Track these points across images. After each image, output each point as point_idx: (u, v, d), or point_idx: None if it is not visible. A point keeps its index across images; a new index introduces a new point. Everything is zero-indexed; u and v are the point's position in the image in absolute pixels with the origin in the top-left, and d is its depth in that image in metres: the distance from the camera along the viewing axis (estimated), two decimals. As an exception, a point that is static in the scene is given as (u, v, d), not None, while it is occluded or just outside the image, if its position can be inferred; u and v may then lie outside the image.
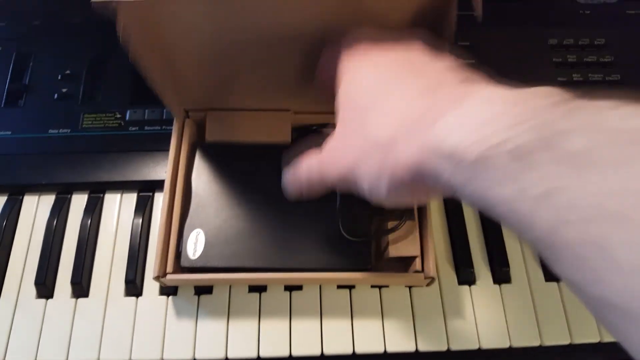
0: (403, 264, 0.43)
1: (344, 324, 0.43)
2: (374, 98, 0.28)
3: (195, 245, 0.41)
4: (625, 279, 0.15)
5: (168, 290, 0.45)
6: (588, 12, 0.58)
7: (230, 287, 0.45)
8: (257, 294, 0.44)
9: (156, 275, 0.39)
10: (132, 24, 0.33)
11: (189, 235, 0.41)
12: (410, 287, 0.45)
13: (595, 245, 0.16)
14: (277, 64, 0.40)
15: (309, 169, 0.33)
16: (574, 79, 0.54)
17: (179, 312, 0.44)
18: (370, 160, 0.27)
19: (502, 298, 0.45)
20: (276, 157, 0.43)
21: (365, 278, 0.41)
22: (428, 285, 0.43)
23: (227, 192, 0.43)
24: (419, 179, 0.24)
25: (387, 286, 0.45)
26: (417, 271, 0.41)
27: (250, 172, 0.44)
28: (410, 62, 0.29)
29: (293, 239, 0.41)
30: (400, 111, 0.26)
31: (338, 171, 0.29)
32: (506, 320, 0.44)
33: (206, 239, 0.41)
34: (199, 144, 0.45)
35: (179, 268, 0.41)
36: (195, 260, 0.40)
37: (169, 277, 0.40)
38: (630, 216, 0.15)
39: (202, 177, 0.44)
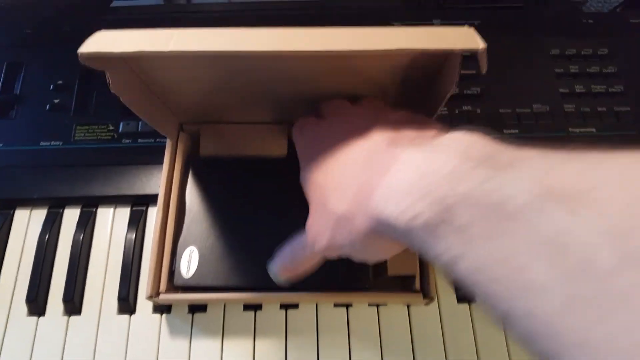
0: (402, 282, 0.42)
1: (341, 342, 0.42)
2: (327, 176, 0.31)
3: (188, 264, 0.40)
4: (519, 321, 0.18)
5: (162, 308, 0.44)
6: (591, 21, 0.57)
7: (224, 305, 0.44)
8: (252, 312, 0.43)
9: (149, 295, 0.38)
10: (122, 77, 0.32)
11: (182, 253, 0.40)
12: (408, 306, 0.44)
13: (495, 299, 0.19)
14: (273, 95, 0.39)
15: (295, 251, 0.35)
16: (577, 90, 0.53)
17: (173, 330, 0.43)
18: (341, 231, 0.29)
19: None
20: (273, 171, 0.43)
21: (363, 297, 0.40)
22: (427, 304, 0.42)
23: (221, 208, 0.42)
24: (382, 239, 0.27)
25: (385, 304, 0.44)
26: (416, 290, 0.40)
27: (246, 187, 0.43)
28: (354, 130, 0.31)
29: None
30: (349, 185, 0.28)
31: (322, 246, 0.31)
32: (506, 339, 0.43)
33: (200, 257, 0.40)
34: (193, 158, 0.44)
35: (173, 287, 0.40)
36: (188, 279, 0.39)
37: (162, 296, 0.39)
38: (499, 280, 0.18)
39: (196, 193, 0.43)
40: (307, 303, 0.44)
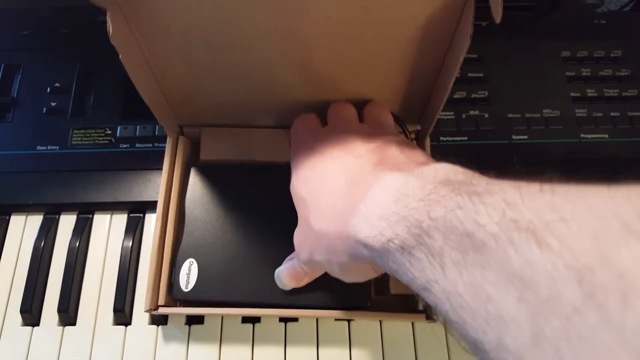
0: (404, 301, 0.41)
1: (342, 357, 0.41)
2: (310, 191, 0.31)
3: (188, 277, 0.39)
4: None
5: (158, 320, 0.43)
6: (604, 22, 0.55)
7: (222, 317, 0.42)
8: (251, 325, 0.42)
9: (148, 308, 0.37)
10: (122, 23, 0.30)
11: (181, 266, 0.39)
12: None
13: (466, 328, 0.19)
14: (274, 80, 0.37)
15: (292, 262, 0.36)
16: (589, 94, 0.52)
17: (170, 342, 0.42)
18: (320, 249, 0.29)
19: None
20: (276, 178, 0.40)
21: (364, 316, 0.39)
22: (430, 322, 0.41)
23: (222, 217, 0.40)
24: (358, 262, 0.27)
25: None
26: (418, 311, 0.39)
27: (248, 195, 0.41)
28: (344, 147, 0.32)
29: None
30: (330, 204, 0.29)
31: (304, 258, 0.32)
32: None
33: (199, 270, 0.39)
34: (193, 164, 0.43)
35: (171, 299, 0.39)
36: (188, 293, 0.38)
37: (161, 310, 0.38)
38: (470, 309, 0.18)
39: (196, 201, 0.41)
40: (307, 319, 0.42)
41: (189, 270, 0.39)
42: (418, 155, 0.30)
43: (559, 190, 0.18)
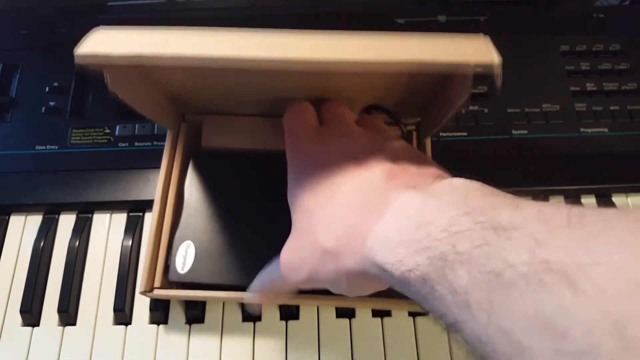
0: None
1: (343, 355, 0.41)
2: (318, 203, 0.29)
3: (184, 259, 0.38)
4: None
5: (158, 319, 0.42)
6: (602, 15, 0.55)
7: (222, 315, 0.42)
8: (251, 324, 0.42)
9: (143, 290, 0.37)
10: (121, 74, 0.30)
11: (178, 248, 0.39)
12: (413, 317, 0.42)
13: None
14: (281, 89, 0.37)
15: (272, 279, 0.33)
16: (588, 88, 0.51)
17: (170, 341, 0.42)
18: (325, 267, 0.27)
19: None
20: (277, 166, 0.40)
21: (367, 303, 0.39)
22: None
23: (221, 203, 0.40)
24: (369, 279, 0.26)
25: (389, 315, 0.42)
26: None
27: (248, 182, 0.41)
28: (351, 155, 0.30)
29: None
30: (341, 219, 0.27)
31: (299, 278, 0.29)
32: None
33: (196, 253, 0.38)
34: (194, 151, 0.43)
35: (167, 281, 0.39)
36: (183, 274, 0.38)
37: (156, 291, 0.38)
38: (504, 355, 0.17)
39: (196, 186, 0.41)
40: (308, 306, 0.42)
41: (186, 252, 0.38)
42: (427, 164, 0.29)
43: (587, 222, 0.17)
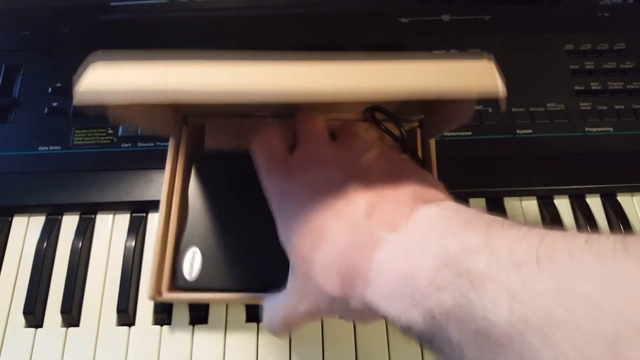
0: None
1: (347, 354, 0.41)
2: (308, 247, 0.28)
3: (191, 265, 0.38)
4: None
5: (162, 320, 0.42)
6: (607, 14, 0.55)
7: (226, 316, 0.42)
8: (255, 324, 0.42)
9: (151, 295, 0.37)
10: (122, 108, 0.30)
11: (184, 254, 0.38)
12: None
13: None
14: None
15: (283, 315, 0.32)
16: (592, 87, 0.51)
17: (174, 342, 0.41)
18: (333, 307, 0.28)
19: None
20: None
21: None
22: None
23: (226, 206, 0.40)
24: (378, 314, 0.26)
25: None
26: None
27: (253, 185, 0.40)
28: (327, 188, 0.29)
29: None
30: (336, 265, 0.27)
31: (309, 315, 0.30)
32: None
33: (203, 259, 0.38)
34: (196, 154, 0.43)
35: (175, 287, 0.39)
36: (191, 282, 0.38)
37: (164, 295, 0.38)
38: None
39: (199, 190, 0.41)
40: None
41: (193, 258, 0.38)
42: (404, 181, 0.28)
43: (558, 266, 0.18)
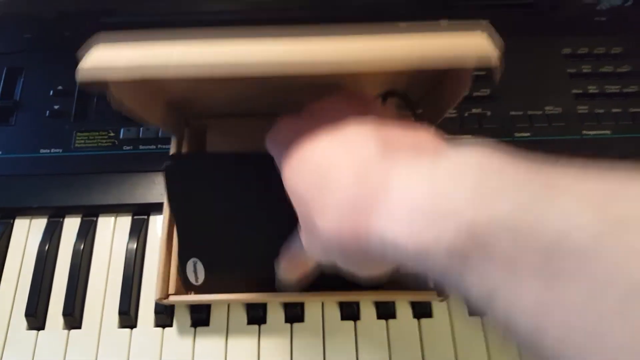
0: (415, 279, 0.41)
1: (348, 358, 0.41)
2: (313, 189, 0.26)
3: (195, 274, 0.38)
4: None
5: (163, 322, 0.43)
6: (604, 18, 0.55)
7: (228, 318, 0.42)
8: (257, 326, 0.42)
9: (158, 297, 0.37)
10: (124, 91, 0.31)
11: (185, 265, 0.39)
12: (419, 319, 0.42)
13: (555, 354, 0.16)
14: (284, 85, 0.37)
15: (294, 254, 0.32)
16: (590, 90, 0.52)
17: (175, 344, 0.42)
18: (331, 251, 0.26)
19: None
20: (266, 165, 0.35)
21: (372, 295, 0.39)
22: (441, 301, 0.41)
23: (216, 212, 0.39)
24: (378, 260, 0.24)
25: (394, 317, 0.42)
26: (429, 288, 0.39)
27: (241, 186, 0.38)
28: (336, 125, 0.27)
29: None
30: (339, 202, 0.24)
31: (316, 257, 0.29)
32: (520, 353, 0.41)
33: (205, 266, 0.39)
34: (165, 163, 0.38)
35: (182, 289, 0.39)
36: (199, 286, 0.39)
37: (171, 298, 0.38)
38: (565, 337, 0.15)
39: (181, 201, 0.38)
40: (313, 307, 0.43)
41: (195, 268, 0.38)
42: (426, 134, 0.26)
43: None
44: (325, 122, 0.27)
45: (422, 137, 0.26)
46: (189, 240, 0.39)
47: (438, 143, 0.25)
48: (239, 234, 0.39)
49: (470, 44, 0.26)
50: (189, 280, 0.38)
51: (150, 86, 0.36)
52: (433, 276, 0.20)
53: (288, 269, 0.34)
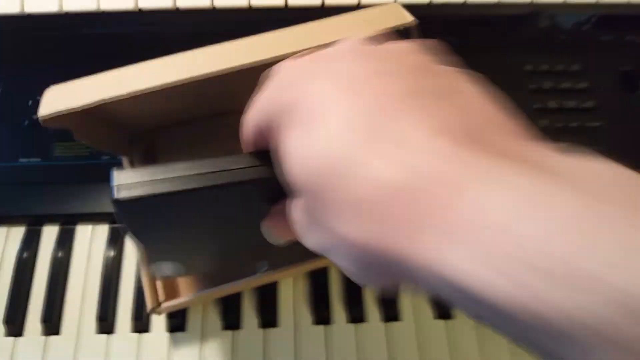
0: None
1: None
2: (329, 180, 0.17)
3: (165, 270, 0.36)
4: None
5: (141, 328, 0.44)
6: (564, 37, 0.59)
7: (202, 323, 0.44)
8: (231, 332, 0.44)
9: (151, 308, 0.39)
10: (84, 127, 0.34)
11: (153, 265, 0.35)
12: (386, 324, 0.45)
13: None
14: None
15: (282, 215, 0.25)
16: (549, 106, 0.55)
17: (152, 350, 0.43)
18: (346, 260, 0.19)
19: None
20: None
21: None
22: None
23: (172, 233, 0.32)
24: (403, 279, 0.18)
25: (363, 321, 0.45)
26: None
27: (195, 213, 0.30)
28: (376, 89, 0.19)
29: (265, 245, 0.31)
30: (372, 206, 0.16)
31: (313, 248, 0.21)
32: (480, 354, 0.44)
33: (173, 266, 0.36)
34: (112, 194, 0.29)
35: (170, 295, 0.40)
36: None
37: (164, 305, 0.39)
38: None
39: (131, 226, 0.30)
40: (287, 314, 0.45)
41: (163, 266, 0.35)
42: (501, 113, 0.19)
43: None
44: (366, 62, 0.20)
45: (507, 124, 0.18)
46: (151, 250, 0.35)
47: (525, 137, 0.18)
48: (198, 250, 0.36)
49: (386, 12, 0.31)
50: (161, 274, 0.39)
51: (105, 119, 0.37)
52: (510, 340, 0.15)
53: (276, 233, 0.28)
